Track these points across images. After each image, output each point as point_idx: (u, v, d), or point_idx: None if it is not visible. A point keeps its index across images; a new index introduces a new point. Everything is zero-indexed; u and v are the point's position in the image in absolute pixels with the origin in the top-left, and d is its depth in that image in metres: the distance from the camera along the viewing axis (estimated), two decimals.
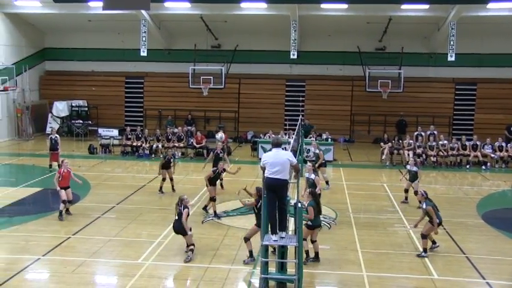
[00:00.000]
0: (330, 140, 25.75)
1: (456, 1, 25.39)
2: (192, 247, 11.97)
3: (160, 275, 11.08)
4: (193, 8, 27.59)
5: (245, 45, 30.94)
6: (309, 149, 21.27)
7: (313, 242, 11.81)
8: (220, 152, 18.55)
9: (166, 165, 18.11)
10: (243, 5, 26.71)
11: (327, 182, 19.02)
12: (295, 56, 28.59)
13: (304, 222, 10.93)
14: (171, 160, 18.34)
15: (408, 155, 23.85)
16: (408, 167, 17.48)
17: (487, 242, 13.50)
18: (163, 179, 18.04)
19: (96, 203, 16.44)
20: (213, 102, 30.80)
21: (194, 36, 30.26)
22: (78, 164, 21.90)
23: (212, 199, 15.30)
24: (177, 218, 12.06)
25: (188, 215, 12.10)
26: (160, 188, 17.97)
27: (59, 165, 20.94)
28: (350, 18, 27.79)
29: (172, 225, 12.31)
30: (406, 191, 17.14)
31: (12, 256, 11.99)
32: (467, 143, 24.37)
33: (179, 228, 12.03)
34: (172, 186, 18.18)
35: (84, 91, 32.28)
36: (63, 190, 14.85)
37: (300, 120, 21.02)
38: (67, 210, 15.05)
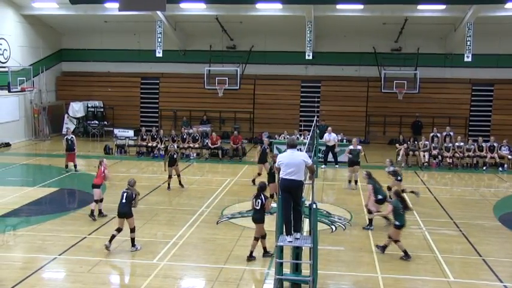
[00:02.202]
0: (345, 141, 25.64)
1: (473, 1, 25.13)
2: (133, 234, 12.37)
3: (175, 275, 11.12)
4: (209, 9, 27.69)
5: (260, 46, 30.98)
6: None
7: (396, 242, 12.12)
8: (267, 148, 20.09)
9: (171, 162, 18.46)
10: (258, 5, 26.72)
11: (355, 182, 19.37)
12: (311, 57, 28.53)
13: (392, 222, 12.02)
14: (174, 156, 18.65)
15: (424, 156, 23.72)
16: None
17: (505, 245, 13.35)
18: (169, 177, 18.41)
19: (111, 203, 16.46)
20: (228, 103, 30.86)
21: (209, 37, 30.36)
22: (94, 164, 22.04)
23: (271, 196, 15.39)
24: (124, 201, 12.41)
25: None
26: (168, 185, 18.43)
27: (75, 166, 21.37)
28: (366, 19, 27.68)
29: (117, 208, 12.56)
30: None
31: (29, 255, 12.13)
32: (483, 144, 24.11)
33: (125, 211, 12.36)
34: (180, 182, 18.55)
35: (100, 92, 32.54)
36: (97, 189, 15.00)
37: (315, 121, 21.01)
38: (100, 210, 15.09)
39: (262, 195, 11.90)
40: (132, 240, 12.46)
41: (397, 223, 12.19)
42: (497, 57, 29.67)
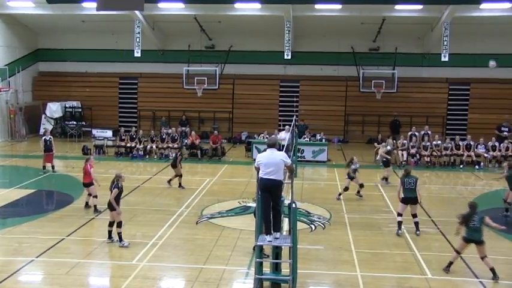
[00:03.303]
0: (324, 140, 25.78)
1: (449, 1, 25.48)
2: (119, 230, 12.53)
3: (155, 276, 11.05)
4: (187, 9, 27.58)
5: (239, 45, 30.96)
6: None
7: (482, 258, 11.13)
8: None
9: (173, 164, 18.86)
10: (237, 5, 26.70)
11: (386, 179, 19.91)
12: (289, 57, 28.64)
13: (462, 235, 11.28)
14: (176, 158, 18.93)
15: (402, 155, 23.96)
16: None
17: None
18: (175, 176, 18.69)
19: (90, 204, 16.38)
20: (207, 102, 30.78)
21: (188, 36, 30.26)
22: (72, 165, 21.85)
23: None
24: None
25: (116, 194, 12.62)
26: (170, 180, 18.82)
27: (52, 167, 21.12)
28: (344, 19, 27.84)
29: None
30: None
31: (5, 258, 11.92)
32: (460, 143, 24.46)
33: (108, 203, 12.71)
34: (180, 183, 18.67)
35: (78, 92, 32.21)
36: (91, 186, 15.49)
37: (294, 120, 21.07)
38: (95, 206, 15.49)
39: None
40: (119, 235, 12.62)
41: (465, 235, 11.31)
42: (473, 57, 30.08)
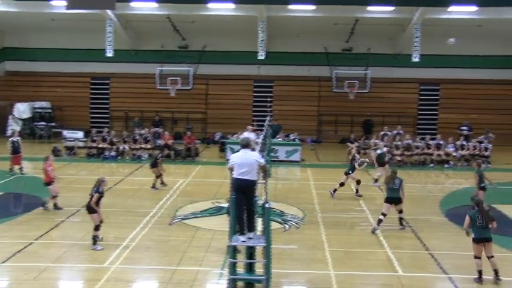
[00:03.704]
0: (297, 140, 25.87)
1: (419, 3, 25.85)
2: (96, 233, 12.44)
3: (128, 278, 10.91)
4: (160, 8, 27.39)
5: (213, 45, 30.89)
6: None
7: (489, 258, 10.74)
8: None
9: (152, 164, 18.84)
10: (210, 5, 26.62)
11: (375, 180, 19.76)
12: (263, 57, 28.70)
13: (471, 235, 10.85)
14: (157, 158, 18.97)
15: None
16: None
17: (450, 238, 13.75)
18: (156, 177, 18.61)
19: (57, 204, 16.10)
20: (181, 103, 30.64)
21: (161, 36, 30.05)
22: (42, 167, 21.39)
23: None
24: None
25: (97, 199, 12.52)
26: (154, 185, 18.62)
27: (20, 169, 20.70)
28: (317, 19, 28.02)
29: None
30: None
31: None
32: (431, 142, 24.84)
33: (88, 207, 12.61)
34: (161, 181, 18.66)
35: (48, 92, 31.69)
36: (51, 186, 15.45)
37: (267, 120, 21.07)
38: (55, 204, 15.47)
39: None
40: (93, 238, 12.51)
41: (474, 236, 10.94)
42: (443, 58, 30.61)
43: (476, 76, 30.87)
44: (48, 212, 15.41)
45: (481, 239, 10.74)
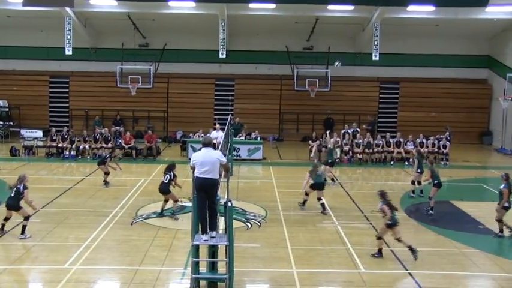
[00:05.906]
0: (259, 138, 25.97)
1: (378, 3, 26.30)
2: (25, 222, 12.88)
3: (89, 279, 10.77)
4: (120, 6, 27.06)
5: (174, 44, 30.70)
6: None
7: (399, 240, 12.05)
8: None
9: (99, 163, 19.16)
10: (171, 3, 26.46)
11: (332, 179, 19.99)
12: (224, 55, 28.69)
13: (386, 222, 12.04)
14: (105, 158, 19.23)
15: (336, 152, 24.46)
16: None
17: (409, 235, 13.99)
18: (105, 173, 18.80)
19: None
20: (142, 101, 30.35)
21: (121, 34, 29.69)
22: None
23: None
24: (12, 195, 12.89)
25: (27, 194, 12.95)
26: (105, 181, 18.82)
27: None
28: (278, 18, 28.18)
29: (6, 202, 13.01)
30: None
31: None
32: (391, 140, 25.30)
33: (12, 204, 12.89)
34: (105, 180, 18.75)
35: (5, 91, 30.88)
36: None
37: (229, 119, 21.08)
38: None
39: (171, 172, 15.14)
40: (23, 227, 12.89)
41: (389, 222, 12.12)
42: (402, 57, 31.25)
43: (434, 75, 31.63)
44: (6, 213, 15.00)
45: (396, 224, 12.15)
